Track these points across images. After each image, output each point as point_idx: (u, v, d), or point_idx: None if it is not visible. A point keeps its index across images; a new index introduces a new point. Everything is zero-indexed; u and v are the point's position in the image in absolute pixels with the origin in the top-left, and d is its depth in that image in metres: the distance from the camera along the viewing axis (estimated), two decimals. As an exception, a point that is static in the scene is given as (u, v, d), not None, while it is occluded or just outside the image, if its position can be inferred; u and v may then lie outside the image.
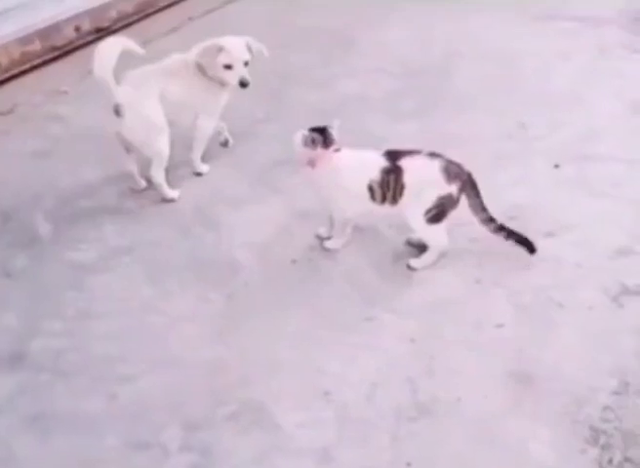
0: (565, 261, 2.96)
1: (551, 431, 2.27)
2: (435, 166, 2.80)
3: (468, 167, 2.88)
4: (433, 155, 2.84)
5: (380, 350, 2.60)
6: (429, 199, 2.81)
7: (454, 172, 2.82)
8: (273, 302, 2.84)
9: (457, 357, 2.56)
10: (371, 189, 2.84)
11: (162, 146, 3.34)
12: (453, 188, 2.81)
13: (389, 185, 2.82)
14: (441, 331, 2.66)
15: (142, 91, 3.26)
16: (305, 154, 2.85)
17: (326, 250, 3.07)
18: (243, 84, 3.39)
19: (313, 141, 2.82)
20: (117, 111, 3.18)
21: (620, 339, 2.60)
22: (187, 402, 2.45)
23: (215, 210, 3.39)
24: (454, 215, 2.89)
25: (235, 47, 3.38)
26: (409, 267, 2.96)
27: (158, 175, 3.39)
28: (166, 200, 3.45)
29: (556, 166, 3.60)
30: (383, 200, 2.86)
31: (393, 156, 2.85)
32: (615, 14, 5.22)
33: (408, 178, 2.81)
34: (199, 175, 3.65)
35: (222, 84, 3.44)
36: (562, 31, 5.04)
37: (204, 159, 3.68)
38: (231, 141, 3.87)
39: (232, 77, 3.39)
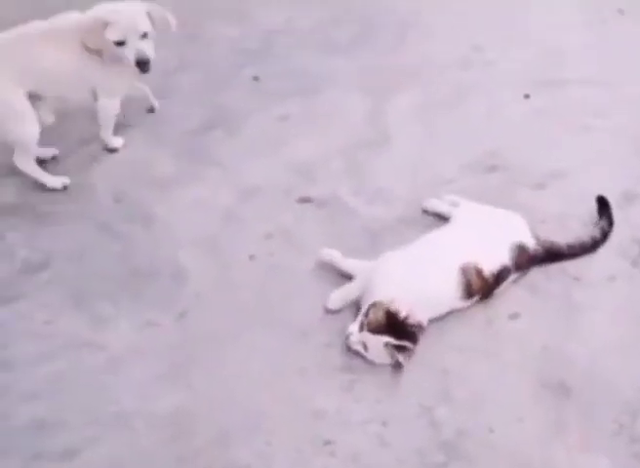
0: (568, 218, 2.53)
1: (608, 457, 1.85)
2: None
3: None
4: None
5: (379, 372, 2.09)
6: None
7: None
8: (237, 318, 2.28)
9: (472, 367, 2.10)
10: None
11: (23, 133, 2.68)
12: None
13: None
14: (446, 336, 2.18)
15: None
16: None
17: None
18: (142, 63, 2.65)
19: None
20: None
21: (654, 317, 2.19)
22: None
23: (141, 196, 2.74)
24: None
25: (124, 17, 2.61)
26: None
27: (25, 165, 2.77)
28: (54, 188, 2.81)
29: (526, 96, 3.16)
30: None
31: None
32: None
33: None
34: (113, 151, 2.98)
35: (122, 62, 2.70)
36: None
37: (116, 131, 2.98)
38: (157, 106, 3.17)
39: (128, 54, 2.64)
